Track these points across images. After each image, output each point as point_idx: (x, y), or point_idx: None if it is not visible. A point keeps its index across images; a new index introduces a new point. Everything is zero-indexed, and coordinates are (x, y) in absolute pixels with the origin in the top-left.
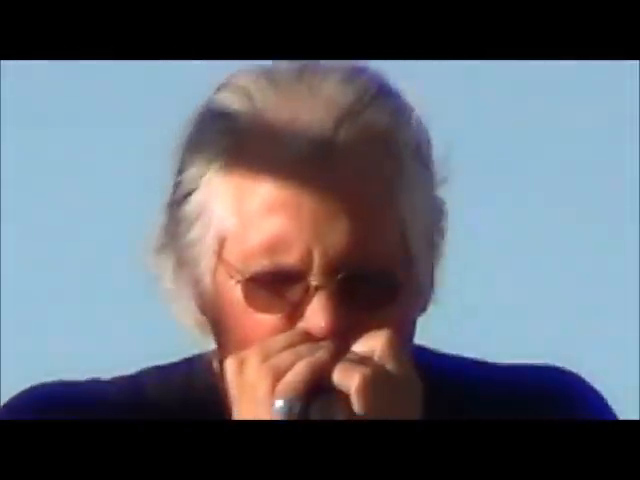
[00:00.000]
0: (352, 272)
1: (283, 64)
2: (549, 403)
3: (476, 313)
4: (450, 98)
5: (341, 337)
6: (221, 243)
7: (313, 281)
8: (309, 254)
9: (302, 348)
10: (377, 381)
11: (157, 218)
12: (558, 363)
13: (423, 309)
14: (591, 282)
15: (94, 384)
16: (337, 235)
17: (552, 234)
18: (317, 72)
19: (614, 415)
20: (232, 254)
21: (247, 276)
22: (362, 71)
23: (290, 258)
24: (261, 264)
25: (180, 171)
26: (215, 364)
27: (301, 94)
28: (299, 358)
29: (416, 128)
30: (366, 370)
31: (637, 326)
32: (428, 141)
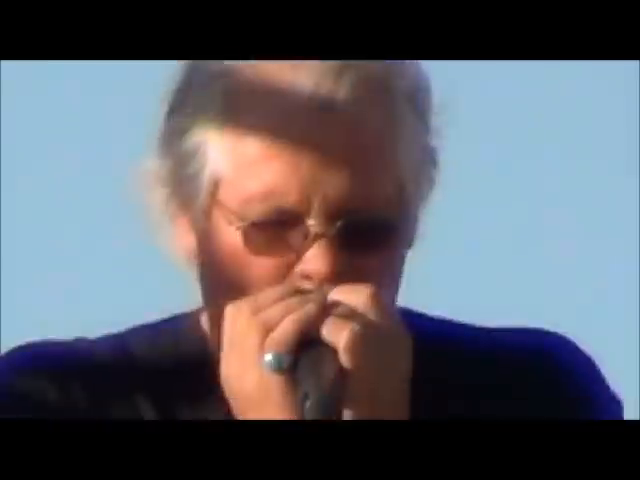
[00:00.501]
0: (351, 218)
1: None
2: (534, 364)
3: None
4: (448, 98)
5: (337, 282)
6: (216, 184)
7: (312, 226)
8: (308, 199)
9: (292, 301)
10: (366, 337)
11: (151, 153)
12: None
13: (410, 248)
14: (590, 280)
15: (80, 343)
16: (336, 181)
17: (550, 235)
18: None
19: (601, 378)
20: (229, 198)
21: (247, 222)
22: None
23: (289, 202)
24: (260, 209)
25: (175, 111)
26: (203, 321)
27: None
28: (289, 312)
29: (413, 77)
30: (355, 326)
31: (637, 325)
32: (425, 89)
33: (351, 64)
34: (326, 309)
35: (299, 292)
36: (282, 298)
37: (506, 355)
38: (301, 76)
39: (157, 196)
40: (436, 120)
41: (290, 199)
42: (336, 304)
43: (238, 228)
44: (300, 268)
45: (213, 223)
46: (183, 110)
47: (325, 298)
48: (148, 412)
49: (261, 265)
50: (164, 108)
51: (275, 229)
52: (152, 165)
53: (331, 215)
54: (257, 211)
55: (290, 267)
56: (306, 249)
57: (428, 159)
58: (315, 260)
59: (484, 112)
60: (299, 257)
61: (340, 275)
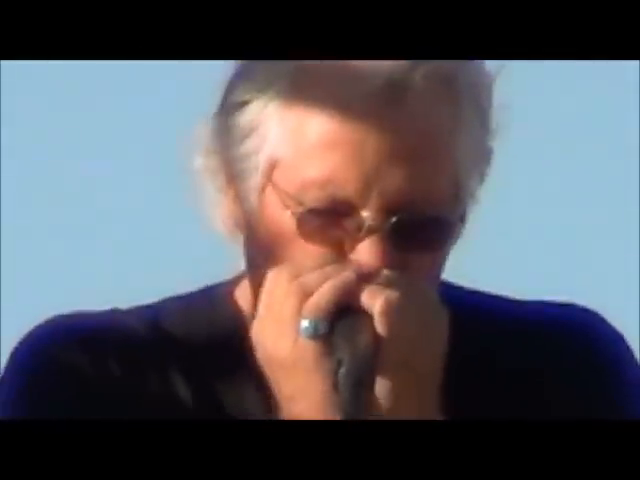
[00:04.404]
0: (407, 214)
1: None
2: (569, 341)
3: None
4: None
5: None
6: (273, 165)
7: (368, 219)
8: (367, 191)
9: (330, 269)
10: (402, 304)
11: (206, 122)
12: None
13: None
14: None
15: (113, 314)
16: (397, 177)
17: (553, 233)
18: None
19: (631, 357)
20: (285, 180)
21: (304, 208)
22: None
23: (347, 192)
24: (317, 196)
25: (235, 81)
26: (237, 292)
27: None
28: (327, 278)
29: (478, 73)
30: (392, 293)
31: (637, 324)
32: (488, 87)
33: (422, 61)
34: (365, 278)
35: (337, 259)
36: (321, 264)
37: (541, 328)
38: (374, 64)
39: (207, 164)
40: (495, 120)
41: (349, 189)
42: (375, 273)
43: (294, 213)
44: (352, 259)
45: (266, 203)
46: (246, 83)
47: (364, 267)
48: (182, 385)
49: (312, 251)
50: (227, 79)
51: (329, 217)
52: (205, 133)
53: (387, 209)
54: (314, 197)
55: (340, 256)
56: (359, 241)
57: (484, 158)
58: (367, 253)
59: None
60: (350, 248)
61: (390, 269)
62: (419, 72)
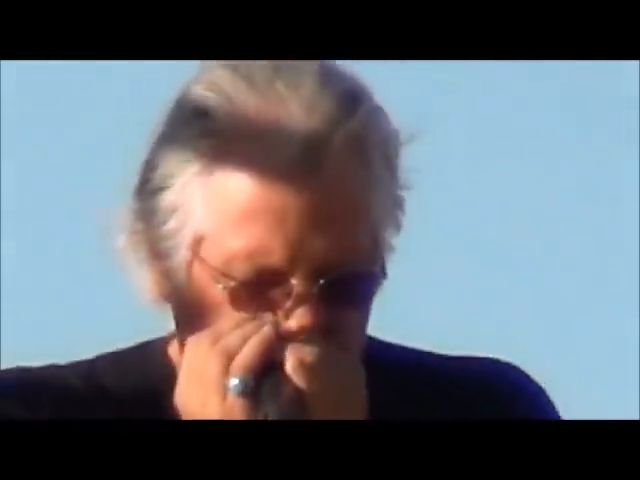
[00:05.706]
0: (334, 276)
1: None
2: (489, 394)
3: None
4: (450, 98)
5: (319, 335)
6: (198, 240)
7: (297, 285)
8: (293, 257)
9: (248, 327)
10: (314, 362)
11: (127, 202)
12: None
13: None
14: (589, 280)
15: (50, 370)
16: (320, 241)
17: (546, 241)
18: (291, 71)
19: (553, 409)
20: (211, 255)
21: (233, 283)
22: (336, 72)
23: (273, 261)
24: (244, 267)
25: (153, 162)
26: (171, 350)
27: (279, 95)
28: (247, 336)
29: (386, 128)
30: (305, 350)
31: (637, 325)
32: (395, 138)
33: (338, 120)
34: (283, 333)
35: (254, 318)
36: (239, 325)
37: (464, 382)
38: (287, 137)
39: (129, 242)
40: (404, 171)
41: (274, 258)
42: (291, 328)
43: (225, 288)
44: (285, 324)
45: (195, 277)
46: (165, 164)
47: (279, 322)
48: None
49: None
50: (144, 158)
51: (259, 287)
52: (125, 214)
53: (314, 273)
54: (242, 269)
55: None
56: (290, 307)
57: (397, 208)
58: (300, 318)
59: (482, 112)
60: (281, 314)
61: (322, 330)
62: (334, 137)
